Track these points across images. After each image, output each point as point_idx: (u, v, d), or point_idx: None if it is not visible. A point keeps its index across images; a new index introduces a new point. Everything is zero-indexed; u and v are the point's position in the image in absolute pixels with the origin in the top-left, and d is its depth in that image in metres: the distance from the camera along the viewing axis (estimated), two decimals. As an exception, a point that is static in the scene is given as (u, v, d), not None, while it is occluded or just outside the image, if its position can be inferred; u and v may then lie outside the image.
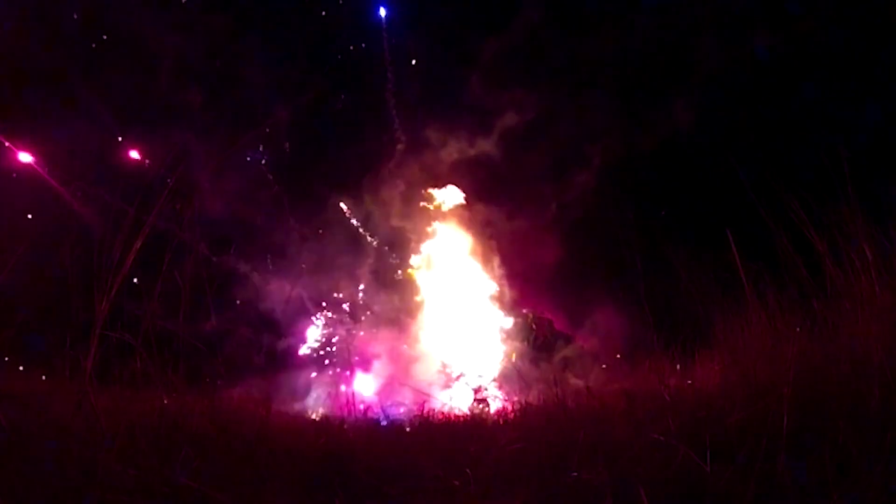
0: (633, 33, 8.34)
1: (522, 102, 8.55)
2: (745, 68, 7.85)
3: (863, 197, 3.62)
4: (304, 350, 8.40)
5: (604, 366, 6.80)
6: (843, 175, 3.65)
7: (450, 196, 8.76)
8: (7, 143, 6.95)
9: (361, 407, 5.41)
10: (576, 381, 6.24)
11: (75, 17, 7.79)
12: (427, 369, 7.88)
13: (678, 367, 4.96)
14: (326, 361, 8.27)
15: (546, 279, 8.31)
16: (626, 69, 8.44)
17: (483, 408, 6.89)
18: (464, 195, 8.64)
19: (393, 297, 8.58)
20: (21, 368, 3.77)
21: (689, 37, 8.19)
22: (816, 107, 7.31)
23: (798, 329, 3.42)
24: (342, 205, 8.64)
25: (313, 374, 8.00)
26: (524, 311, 8.45)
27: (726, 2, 8.08)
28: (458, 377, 7.55)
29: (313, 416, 5.55)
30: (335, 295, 8.54)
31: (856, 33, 7.28)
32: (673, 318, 4.98)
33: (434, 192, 8.77)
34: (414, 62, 8.61)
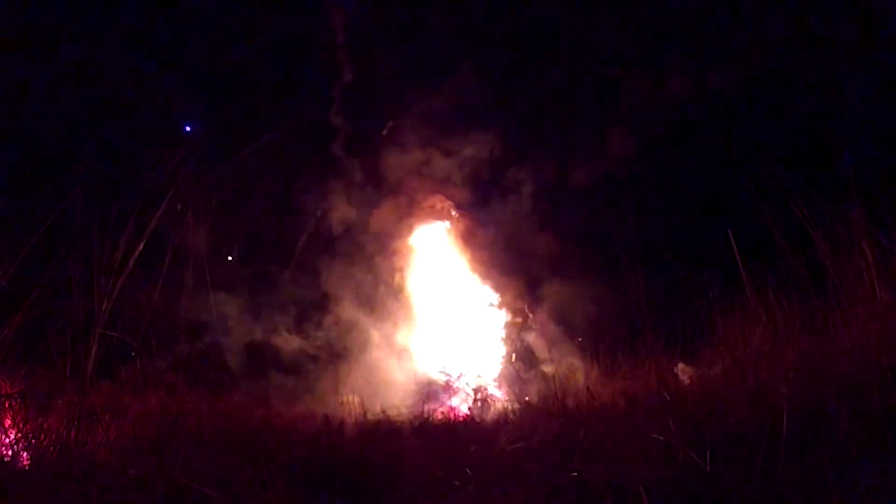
0: (636, 21, 8.34)
1: (518, 92, 8.56)
2: (747, 66, 7.84)
3: (864, 197, 3.63)
4: (303, 350, 8.40)
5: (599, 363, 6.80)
6: (846, 175, 3.66)
7: (438, 200, 8.78)
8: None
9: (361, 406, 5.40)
10: (575, 381, 6.23)
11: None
12: (427, 370, 7.88)
13: (679, 366, 4.97)
14: (326, 362, 8.26)
15: (543, 279, 8.30)
16: (627, 62, 8.43)
17: (483, 408, 6.89)
18: (453, 200, 8.65)
19: (391, 298, 8.59)
20: (21, 368, 3.78)
21: (690, 31, 8.19)
22: (819, 106, 7.30)
23: (798, 329, 3.42)
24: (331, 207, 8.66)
25: (313, 375, 8.00)
26: (524, 310, 8.44)
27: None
28: (458, 377, 7.54)
29: (313, 417, 5.54)
30: (334, 296, 8.54)
31: (858, 30, 7.28)
32: (673, 318, 4.98)
33: (422, 196, 8.79)
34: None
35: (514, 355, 8.15)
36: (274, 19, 8.11)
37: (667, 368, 4.99)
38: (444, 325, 8.24)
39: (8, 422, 3.07)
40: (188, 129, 7.32)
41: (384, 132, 8.47)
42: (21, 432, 2.98)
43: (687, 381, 4.55)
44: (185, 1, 8.01)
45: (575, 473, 2.77)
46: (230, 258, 7.62)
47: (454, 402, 6.93)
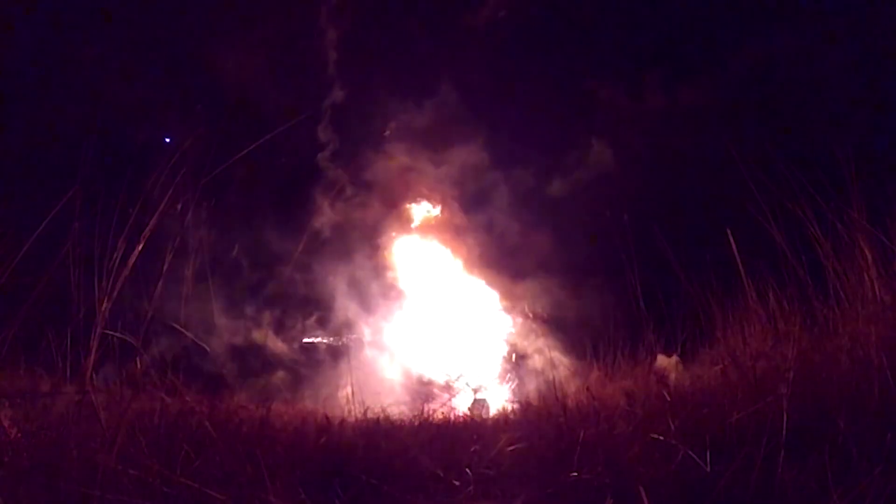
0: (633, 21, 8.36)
1: (512, 89, 8.60)
2: (748, 64, 7.84)
3: (865, 197, 3.62)
4: (303, 350, 8.41)
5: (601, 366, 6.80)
6: (848, 174, 3.65)
7: (438, 202, 8.79)
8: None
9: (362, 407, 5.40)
10: (575, 381, 6.24)
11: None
12: (427, 369, 7.89)
13: (658, 358, 5.01)
14: (326, 361, 8.27)
15: (543, 279, 8.31)
16: (627, 58, 8.43)
17: (483, 408, 6.89)
18: (453, 201, 8.67)
19: (392, 298, 8.59)
20: (21, 368, 3.78)
21: (690, 31, 8.20)
22: (820, 104, 7.30)
23: (798, 329, 3.41)
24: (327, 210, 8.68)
25: (314, 374, 8.01)
26: (524, 310, 8.45)
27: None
28: (457, 377, 7.55)
29: (313, 416, 5.55)
30: (334, 295, 8.54)
31: (862, 30, 7.28)
32: (673, 317, 4.98)
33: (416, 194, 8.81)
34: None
35: (513, 355, 8.16)
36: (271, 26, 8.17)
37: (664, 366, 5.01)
38: (445, 325, 8.25)
39: (8, 422, 3.06)
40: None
41: (387, 133, 8.50)
42: (21, 432, 2.97)
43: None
44: (186, 6, 8.07)
45: (575, 473, 2.77)
46: (232, 256, 7.63)
47: (454, 402, 6.93)
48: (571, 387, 5.63)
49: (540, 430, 3.71)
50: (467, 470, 3.05)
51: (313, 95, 8.63)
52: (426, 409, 5.54)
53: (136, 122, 7.96)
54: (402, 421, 5.06)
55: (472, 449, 3.45)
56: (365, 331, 8.41)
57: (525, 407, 5.18)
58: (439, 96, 8.51)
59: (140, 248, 2.95)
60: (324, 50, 8.34)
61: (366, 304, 8.47)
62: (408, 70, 8.78)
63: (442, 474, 3.07)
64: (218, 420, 3.24)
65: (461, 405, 7.05)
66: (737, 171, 4.04)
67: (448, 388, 7.37)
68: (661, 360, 5.26)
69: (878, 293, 3.37)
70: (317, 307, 8.54)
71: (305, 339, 8.27)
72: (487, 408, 6.81)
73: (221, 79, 8.14)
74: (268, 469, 2.73)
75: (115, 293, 2.86)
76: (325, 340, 8.32)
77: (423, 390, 7.37)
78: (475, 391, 7.42)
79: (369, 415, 5.05)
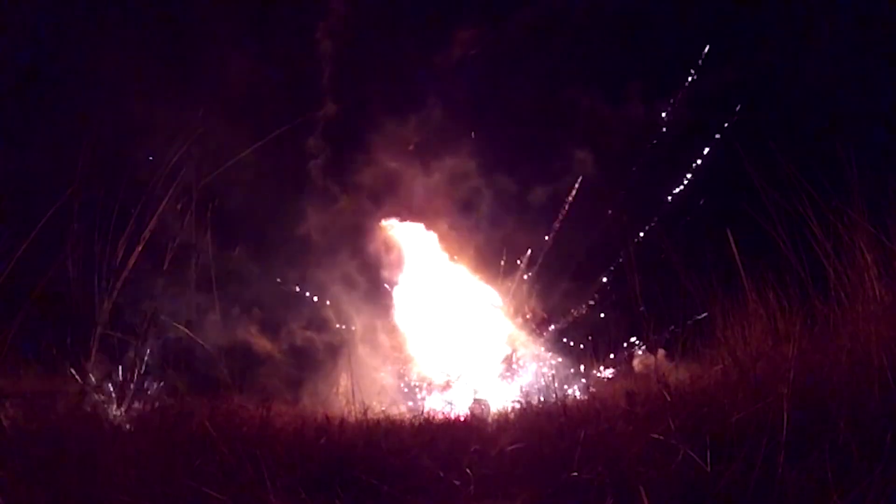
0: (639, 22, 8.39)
1: (511, 85, 8.63)
2: (749, 65, 7.84)
3: (865, 197, 3.62)
4: (304, 350, 8.41)
5: (603, 368, 6.80)
6: (849, 174, 3.65)
7: (437, 204, 8.81)
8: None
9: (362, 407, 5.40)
10: (575, 381, 6.25)
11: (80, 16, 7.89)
12: (427, 370, 7.89)
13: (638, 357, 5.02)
14: (327, 362, 8.27)
15: (543, 279, 8.32)
16: (627, 58, 8.45)
17: (483, 408, 6.89)
18: (451, 203, 8.67)
19: (393, 299, 8.59)
20: (21, 368, 3.78)
21: (693, 32, 8.21)
22: (821, 105, 7.29)
23: (798, 329, 3.41)
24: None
25: (314, 375, 8.01)
26: (524, 311, 8.45)
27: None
28: (457, 377, 7.54)
29: (314, 416, 5.54)
30: (335, 297, 8.54)
31: (864, 30, 7.27)
32: (673, 318, 4.98)
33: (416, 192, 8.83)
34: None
35: (513, 355, 8.16)
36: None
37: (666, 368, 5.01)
38: (445, 326, 8.25)
39: (8, 422, 3.07)
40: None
41: (410, 147, 8.56)
42: (21, 432, 2.98)
43: (687, 381, 4.57)
44: (190, 10, 8.09)
45: (575, 473, 2.77)
46: (233, 257, 7.64)
47: (454, 402, 6.93)
48: (571, 387, 5.63)
49: (540, 430, 3.71)
50: (467, 470, 3.05)
51: (310, 106, 8.68)
52: (426, 409, 5.54)
53: (136, 125, 7.97)
54: (402, 421, 5.06)
55: (472, 449, 3.45)
56: (365, 330, 8.42)
57: (525, 407, 5.18)
58: (441, 102, 8.54)
59: (140, 248, 2.96)
60: (322, 64, 8.38)
61: (366, 304, 8.47)
62: (408, 83, 8.84)
63: (442, 474, 3.07)
64: (218, 420, 3.25)
65: (461, 405, 7.05)
66: (738, 171, 4.04)
67: (448, 388, 7.37)
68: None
69: (878, 293, 3.36)
70: (317, 307, 8.54)
71: (304, 339, 8.27)
72: (487, 408, 6.80)
73: (222, 85, 8.16)
74: (268, 469, 2.73)
75: (115, 293, 2.87)
76: (325, 339, 8.32)
77: (424, 390, 7.37)
78: (475, 391, 7.42)
79: (369, 415, 5.06)
